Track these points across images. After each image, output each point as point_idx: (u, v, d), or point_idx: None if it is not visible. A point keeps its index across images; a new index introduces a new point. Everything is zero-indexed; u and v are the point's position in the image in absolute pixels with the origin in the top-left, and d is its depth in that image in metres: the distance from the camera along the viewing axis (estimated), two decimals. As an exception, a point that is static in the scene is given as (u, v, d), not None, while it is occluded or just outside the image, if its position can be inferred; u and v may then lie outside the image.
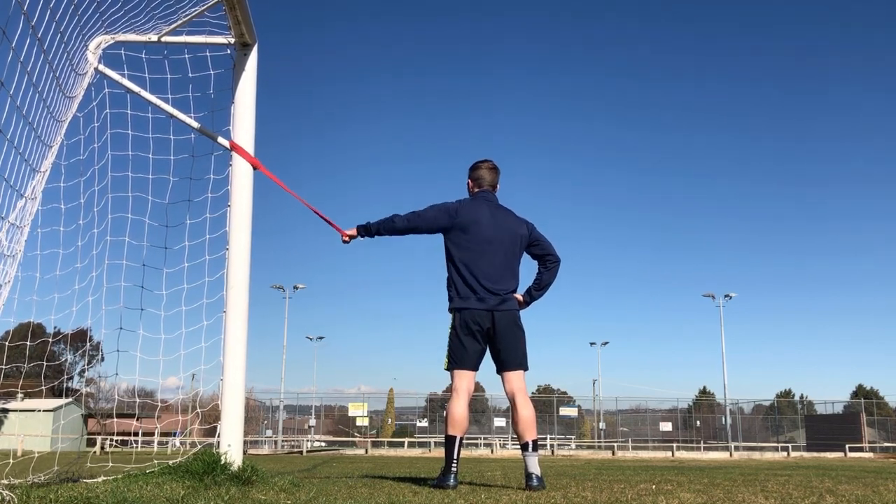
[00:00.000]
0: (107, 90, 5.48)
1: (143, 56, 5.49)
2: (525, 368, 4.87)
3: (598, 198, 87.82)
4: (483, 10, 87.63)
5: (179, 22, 5.39)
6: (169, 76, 5.51)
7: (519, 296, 4.96)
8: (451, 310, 4.87)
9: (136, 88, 5.44)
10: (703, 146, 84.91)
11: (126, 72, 5.46)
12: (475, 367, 4.83)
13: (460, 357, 4.79)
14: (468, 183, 5.20)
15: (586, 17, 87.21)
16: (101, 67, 5.33)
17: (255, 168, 5.44)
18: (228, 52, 5.56)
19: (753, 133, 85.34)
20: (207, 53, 5.54)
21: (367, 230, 5.13)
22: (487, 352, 4.90)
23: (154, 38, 5.49)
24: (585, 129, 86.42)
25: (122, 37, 5.40)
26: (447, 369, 4.84)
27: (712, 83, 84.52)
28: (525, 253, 5.05)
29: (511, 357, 4.82)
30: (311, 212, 5.53)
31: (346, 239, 5.23)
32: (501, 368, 4.85)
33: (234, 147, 5.41)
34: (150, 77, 5.48)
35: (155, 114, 5.52)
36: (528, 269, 5.08)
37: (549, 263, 5.07)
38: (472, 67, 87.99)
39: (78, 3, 4.32)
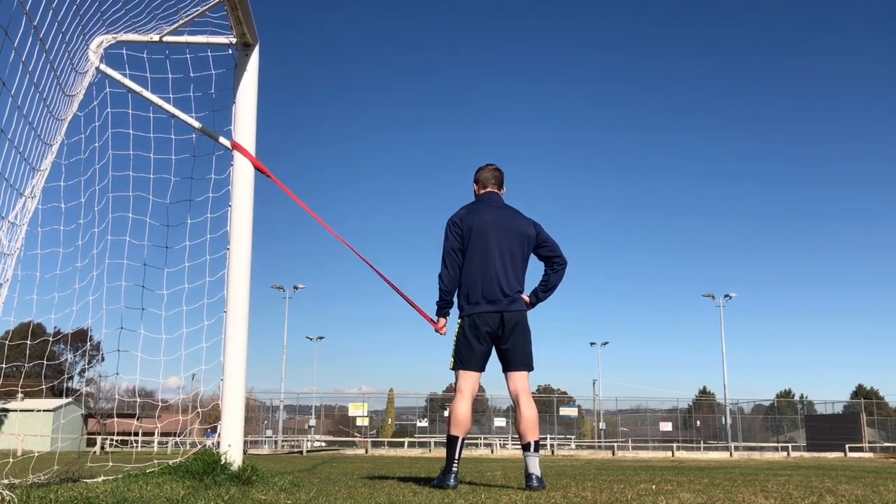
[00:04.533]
0: (108, 89, 5.48)
1: (145, 56, 5.50)
2: (530, 369, 4.87)
3: (598, 198, 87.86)
4: (486, 15, 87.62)
5: (181, 22, 5.39)
6: (170, 76, 5.52)
7: (525, 297, 4.96)
8: (461, 317, 4.87)
9: (137, 88, 5.44)
10: (702, 147, 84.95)
11: (127, 71, 5.47)
12: (481, 369, 4.83)
13: (467, 358, 4.78)
14: (474, 187, 5.21)
15: (585, 21, 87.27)
16: (103, 67, 5.33)
17: (259, 171, 5.44)
18: (230, 52, 5.56)
19: (754, 134, 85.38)
20: (209, 53, 5.55)
21: (443, 306, 5.04)
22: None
23: (155, 37, 5.49)
24: (585, 130, 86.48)
25: (123, 36, 5.40)
26: (453, 369, 4.84)
27: (712, 84, 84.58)
28: (532, 254, 5.04)
29: (517, 357, 4.81)
30: (396, 291, 5.48)
31: (442, 331, 5.08)
32: (507, 368, 4.85)
33: (236, 147, 5.41)
34: (152, 76, 5.49)
35: (156, 113, 5.53)
36: (531, 271, 5.08)
37: (556, 266, 5.06)
38: (473, 70, 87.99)
39: (80, 2, 4.32)
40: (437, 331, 5.08)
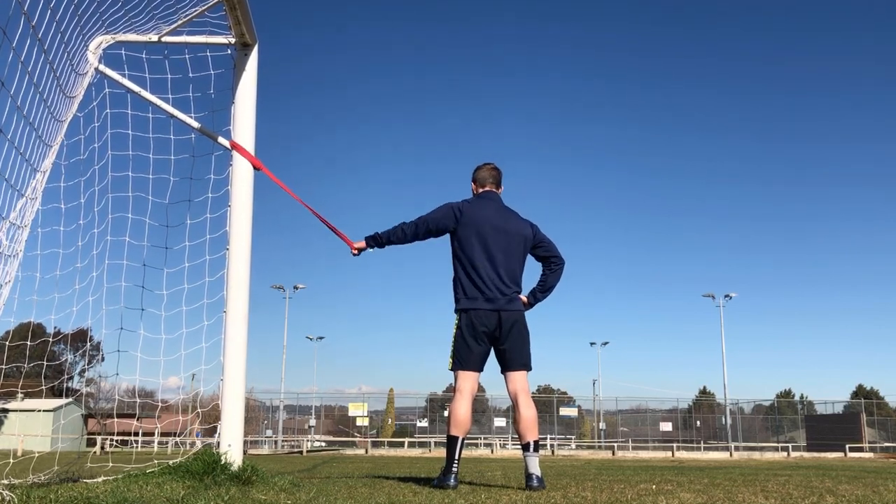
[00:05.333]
0: (107, 90, 5.48)
1: (144, 56, 5.50)
2: (529, 369, 4.87)
3: (598, 198, 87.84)
4: (486, 15, 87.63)
5: (180, 22, 5.39)
6: (169, 76, 5.52)
7: (523, 297, 4.96)
8: (458, 311, 4.87)
9: (136, 88, 5.44)
10: (702, 146, 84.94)
11: (126, 72, 5.47)
12: (480, 369, 4.83)
13: (465, 358, 4.79)
14: (472, 186, 5.21)
15: (585, 20, 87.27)
16: (102, 67, 5.33)
17: (256, 168, 5.44)
18: (229, 52, 5.56)
19: (754, 134, 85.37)
20: (208, 53, 5.55)
21: (375, 240, 5.11)
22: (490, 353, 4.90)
23: (154, 38, 5.49)
24: (585, 130, 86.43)
25: (122, 37, 5.41)
26: (451, 369, 4.85)
27: (712, 84, 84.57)
28: (529, 255, 5.05)
29: (515, 357, 4.82)
30: (316, 217, 5.48)
31: (356, 252, 5.21)
32: (505, 368, 4.85)
33: (235, 147, 5.41)
34: (151, 77, 5.48)
35: (155, 114, 5.52)
36: (529, 272, 5.09)
37: (553, 266, 5.07)
38: (473, 70, 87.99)
39: (78, 3, 4.32)
40: (351, 251, 5.22)
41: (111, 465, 5.09)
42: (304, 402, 51.83)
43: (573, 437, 53.54)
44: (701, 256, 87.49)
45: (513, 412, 4.95)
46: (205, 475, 4.60)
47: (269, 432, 46.98)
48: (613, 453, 32.00)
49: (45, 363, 5.45)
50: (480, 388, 53.63)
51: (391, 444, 42.25)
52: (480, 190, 5.16)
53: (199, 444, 5.10)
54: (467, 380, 4.79)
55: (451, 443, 4.71)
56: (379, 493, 4.25)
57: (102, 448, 31.13)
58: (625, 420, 56.94)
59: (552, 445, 38.67)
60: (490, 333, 4.77)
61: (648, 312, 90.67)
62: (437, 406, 51.39)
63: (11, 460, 5.18)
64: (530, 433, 4.67)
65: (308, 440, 40.12)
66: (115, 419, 43.06)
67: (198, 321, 5.32)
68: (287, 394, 49.55)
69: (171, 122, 5.49)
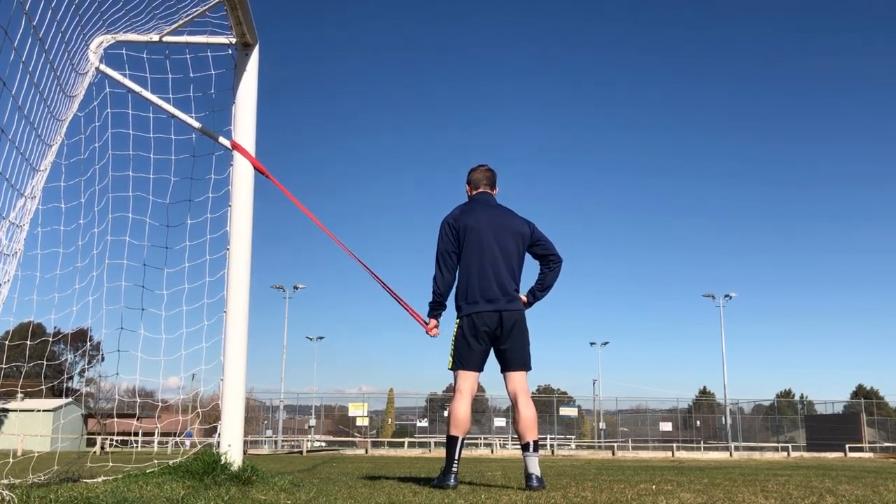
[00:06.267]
0: (108, 90, 5.49)
1: (145, 56, 5.50)
2: (528, 369, 4.87)
3: (598, 198, 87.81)
4: (486, 15, 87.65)
5: (181, 22, 5.39)
6: (170, 76, 5.53)
7: (522, 296, 4.96)
8: (460, 317, 4.86)
9: (137, 88, 5.45)
10: (702, 146, 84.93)
11: (127, 71, 5.47)
12: (480, 369, 4.83)
13: (466, 358, 4.78)
14: (466, 188, 5.21)
15: (585, 20, 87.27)
16: (103, 67, 5.33)
17: (258, 171, 5.44)
18: (230, 52, 5.57)
19: (754, 134, 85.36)
20: (209, 53, 5.55)
21: (436, 307, 4.99)
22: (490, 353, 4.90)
23: (155, 37, 5.49)
24: (585, 130, 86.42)
25: (123, 36, 5.41)
26: (451, 369, 4.84)
27: (713, 84, 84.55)
28: (527, 253, 5.04)
29: (515, 357, 4.82)
30: (376, 278, 5.43)
31: (435, 331, 5.01)
32: (505, 368, 4.85)
33: (236, 147, 5.41)
34: (152, 77, 5.49)
35: (156, 113, 5.53)
36: (528, 271, 5.08)
37: (551, 263, 5.07)
38: (473, 70, 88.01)
39: (79, 2, 4.32)
40: (427, 332, 5.04)
41: (111, 465, 5.10)
42: (304, 402, 51.88)
43: (573, 437, 53.51)
44: (701, 256, 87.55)
45: (512, 412, 4.95)
46: (205, 475, 4.60)
47: (269, 432, 46.96)
48: (613, 453, 32.00)
49: (44, 363, 5.45)
50: (480, 388, 53.66)
51: (391, 444, 42.23)
52: (474, 192, 5.15)
53: (188, 444, 5.11)
54: (467, 380, 4.79)
55: (450, 443, 4.71)
56: (379, 493, 4.25)
57: (102, 448, 31.12)
58: (625, 420, 56.92)
59: (552, 445, 38.66)
60: (491, 333, 4.77)
61: (648, 312, 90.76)
62: (437, 406, 51.38)
63: (11, 460, 5.19)
64: (530, 433, 4.67)
65: (308, 440, 40.11)
66: (115, 419, 43.03)
67: (198, 321, 5.32)
68: (287, 394, 49.59)
69: (171, 122, 5.49)
